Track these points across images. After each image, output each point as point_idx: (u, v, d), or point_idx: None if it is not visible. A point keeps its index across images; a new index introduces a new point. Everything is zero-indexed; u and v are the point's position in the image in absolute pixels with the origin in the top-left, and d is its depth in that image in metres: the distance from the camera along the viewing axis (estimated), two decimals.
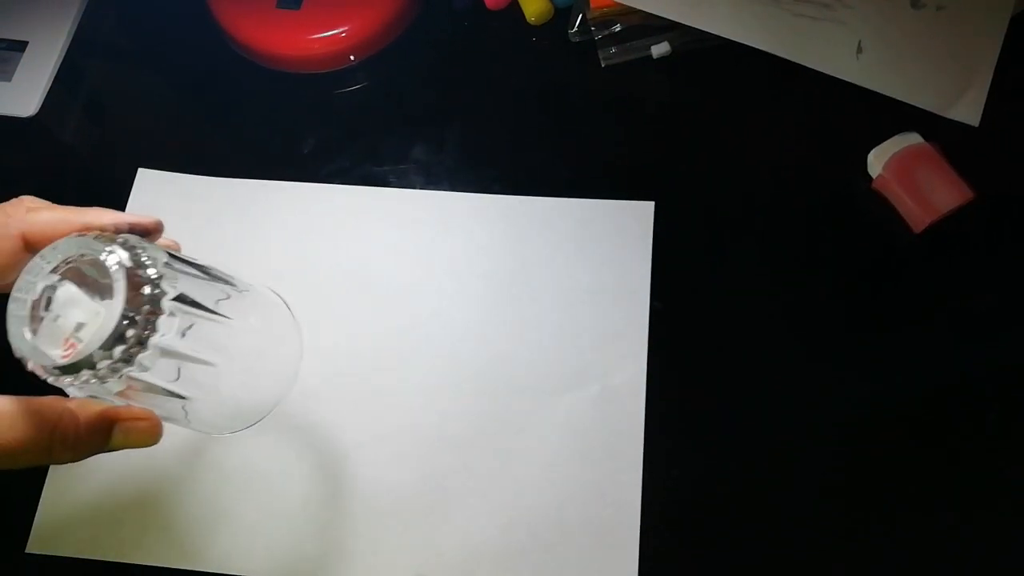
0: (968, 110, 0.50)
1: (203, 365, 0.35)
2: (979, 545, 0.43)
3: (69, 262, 0.32)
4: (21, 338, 0.31)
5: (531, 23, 0.57)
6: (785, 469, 0.45)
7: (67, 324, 0.31)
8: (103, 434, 0.33)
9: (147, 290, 0.31)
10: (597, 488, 0.45)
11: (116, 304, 0.30)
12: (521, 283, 0.50)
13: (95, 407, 0.33)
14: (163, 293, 0.32)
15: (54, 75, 0.58)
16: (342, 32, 0.56)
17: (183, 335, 0.33)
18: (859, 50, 0.51)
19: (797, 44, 0.51)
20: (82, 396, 0.33)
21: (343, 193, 0.54)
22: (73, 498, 0.47)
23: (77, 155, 0.58)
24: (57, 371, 0.31)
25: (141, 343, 0.31)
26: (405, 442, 0.47)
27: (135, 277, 0.31)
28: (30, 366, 0.31)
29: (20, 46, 0.59)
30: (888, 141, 0.50)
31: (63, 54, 0.59)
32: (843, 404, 0.46)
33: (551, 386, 0.48)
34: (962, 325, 0.48)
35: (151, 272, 0.32)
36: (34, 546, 0.46)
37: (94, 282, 0.32)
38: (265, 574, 0.45)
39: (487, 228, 0.52)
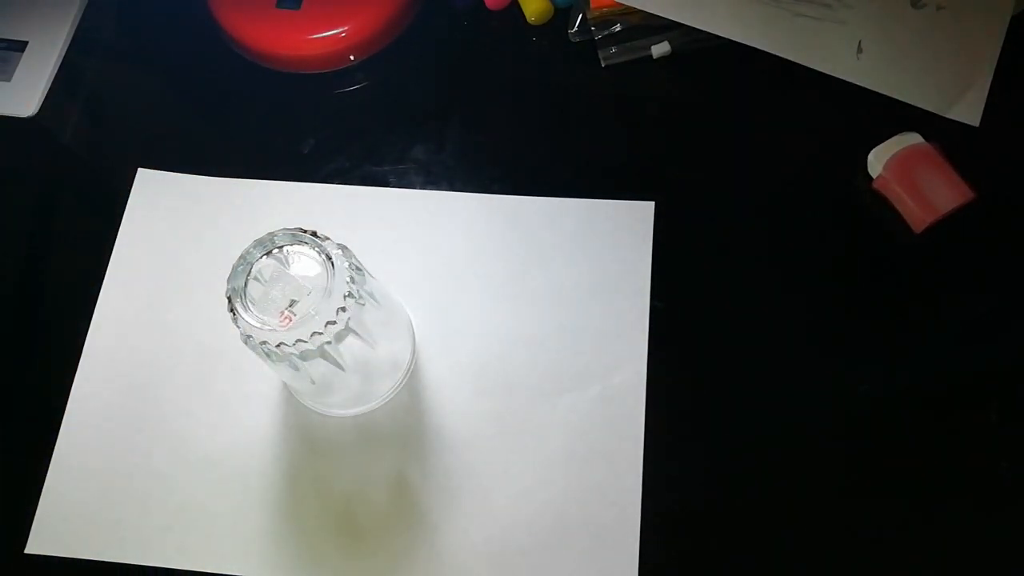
0: (968, 110, 0.50)
1: (365, 344, 0.42)
2: (978, 543, 0.43)
3: (279, 248, 0.39)
4: (246, 308, 0.38)
5: (531, 23, 0.57)
6: (785, 469, 0.45)
7: (281, 300, 0.38)
8: None
9: (350, 280, 0.38)
10: (597, 488, 0.45)
11: (336, 287, 0.38)
12: (521, 283, 0.50)
13: None
14: (362, 283, 0.39)
15: (54, 75, 0.58)
16: (342, 32, 0.56)
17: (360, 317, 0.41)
18: (859, 50, 0.51)
19: (797, 44, 0.51)
20: (274, 360, 0.39)
21: (343, 193, 0.54)
22: (73, 498, 0.47)
23: (77, 155, 0.58)
24: (267, 340, 0.37)
25: (344, 323, 0.38)
26: (406, 442, 0.47)
27: (343, 268, 0.38)
28: (249, 332, 0.38)
29: (20, 46, 0.59)
30: (888, 141, 0.50)
31: (63, 54, 0.59)
32: (843, 404, 0.46)
33: (551, 386, 0.48)
34: (962, 325, 0.48)
35: (349, 264, 0.39)
36: (34, 546, 0.46)
37: (301, 267, 0.39)
38: (264, 574, 0.45)
39: (487, 228, 0.52)
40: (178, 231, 0.53)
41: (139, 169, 0.55)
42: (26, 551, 0.46)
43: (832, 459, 0.46)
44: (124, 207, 0.54)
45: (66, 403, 0.49)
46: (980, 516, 0.44)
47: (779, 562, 0.44)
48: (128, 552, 0.46)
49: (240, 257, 0.39)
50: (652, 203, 0.51)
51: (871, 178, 0.51)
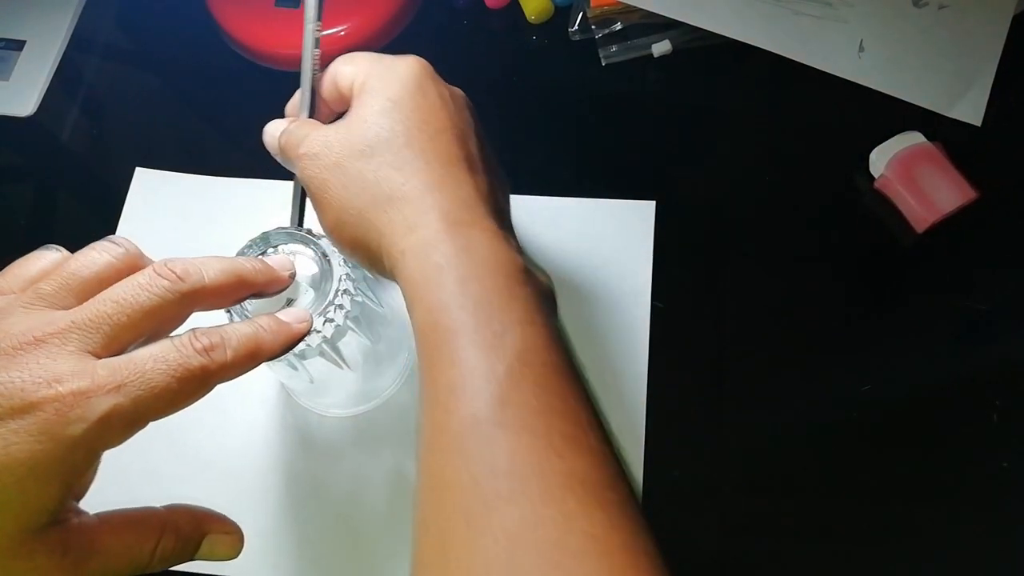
0: (970, 109, 0.50)
1: (364, 342, 0.42)
2: (979, 543, 0.43)
3: (275, 247, 0.38)
4: (243, 308, 0.37)
5: (531, 22, 0.57)
6: (785, 468, 0.45)
7: (278, 299, 0.37)
8: (194, 545, 0.35)
9: (347, 278, 0.38)
10: None
11: (333, 286, 0.37)
12: None
13: (188, 517, 0.36)
14: (359, 281, 0.39)
15: (52, 74, 0.58)
16: (342, 31, 0.56)
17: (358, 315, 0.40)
18: (861, 49, 0.51)
19: (799, 43, 0.51)
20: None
21: None
22: None
23: (75, 155, 0.58)
24: None
25: (342, 321, 0.37)
26: (405, 442, 0.47)
27: (340, 266, 0.38)
28: None
29: (18, 45, 0.59)
30: (890, 140, 0.50)
31: (61, 53, 0.59)
32: (844, 404, 0.46)
33: None
34: (964, 325, 0.48)
35: (346, 262, 0.38)
36: None
37: (298, 266, 0.38)
38: (264, 574, 0.45)
39: None
40: (176, 231, 0.53)
41: (137, 168, 0.55)
42: None
43: (833, 459, 0.45)
44: (122, 206, 0.54)
45: None
46: (981, 516, 0.44)
47: (780, 561, 0.44)
48: None
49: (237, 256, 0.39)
50: (652, 203, 0.51)
51: (873, 178, 0.50)
